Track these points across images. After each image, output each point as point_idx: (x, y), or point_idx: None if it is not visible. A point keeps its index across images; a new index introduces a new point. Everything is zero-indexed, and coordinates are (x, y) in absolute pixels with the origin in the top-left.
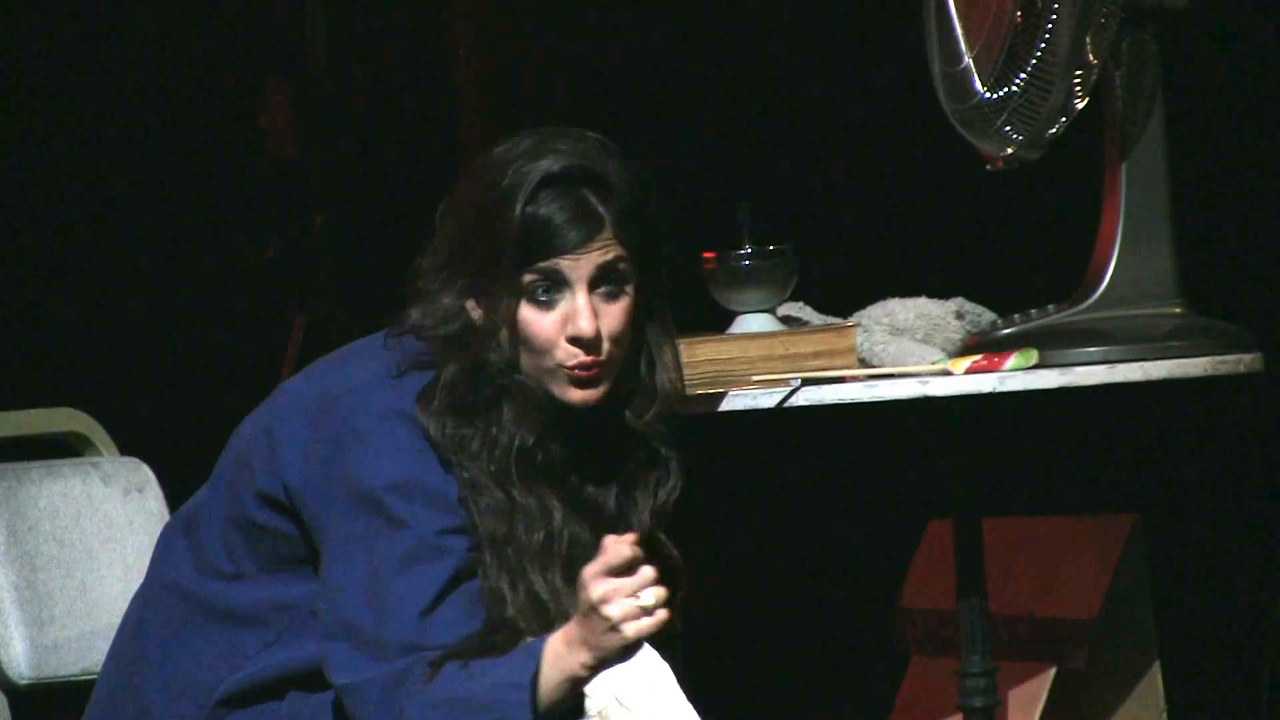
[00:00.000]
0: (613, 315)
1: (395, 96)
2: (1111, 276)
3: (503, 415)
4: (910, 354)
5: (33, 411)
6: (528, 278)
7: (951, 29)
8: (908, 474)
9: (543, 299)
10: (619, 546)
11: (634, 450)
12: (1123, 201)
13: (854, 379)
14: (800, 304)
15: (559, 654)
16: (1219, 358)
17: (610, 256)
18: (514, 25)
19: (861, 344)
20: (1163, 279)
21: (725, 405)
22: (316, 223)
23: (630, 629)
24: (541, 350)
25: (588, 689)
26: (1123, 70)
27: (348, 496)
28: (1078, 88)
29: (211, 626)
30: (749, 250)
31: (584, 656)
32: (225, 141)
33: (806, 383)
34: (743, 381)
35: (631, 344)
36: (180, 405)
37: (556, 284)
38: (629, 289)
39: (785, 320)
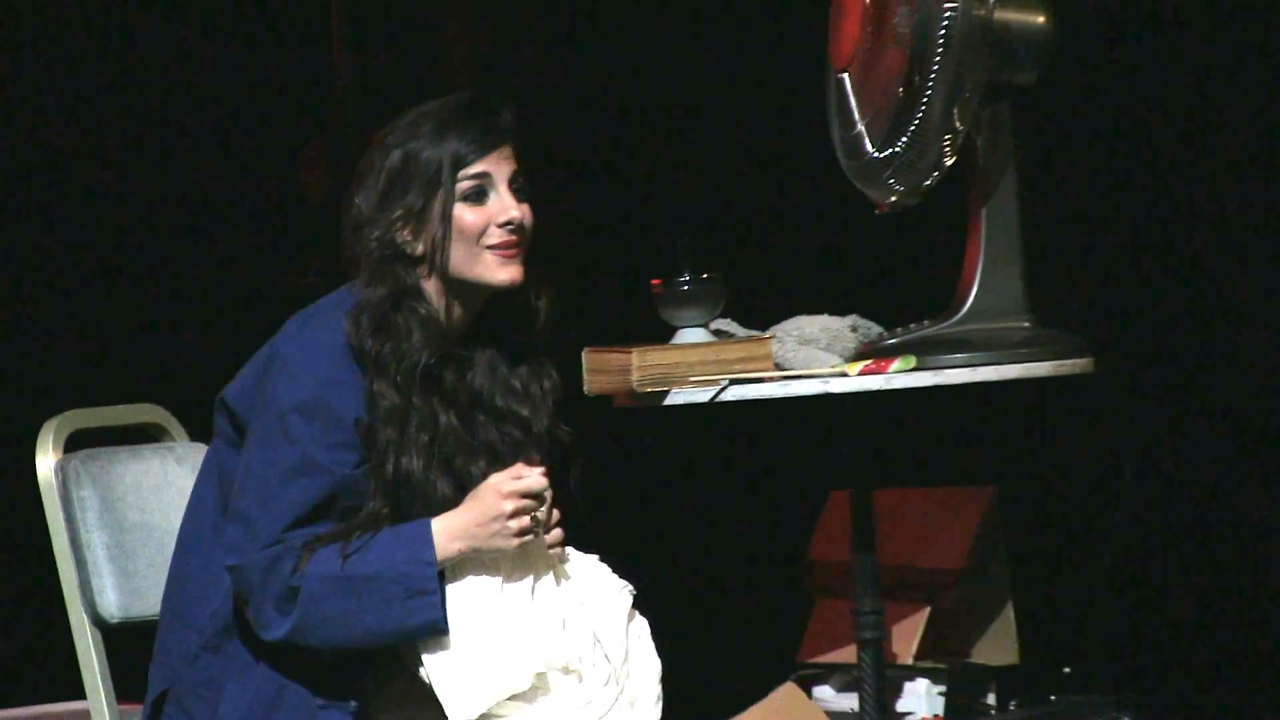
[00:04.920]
0: (524, 209)
1: None
2: (974, 297)
3: (413, 335)
4: (815, 359)
5: (121, 407)
6: (463, 185)
7: (847, 101)
8: (814, 454)
9: (475, 199)
10: (537, 477)
11: (524, 363)
12: (983, 237)
13: (771, 379)
14: (728, 320)
15: (441, 542)
16: (1060, 361)
17: (517, 165)
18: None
19: (777, 351)
20: (1015, 299)
21: (669, 400)
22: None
23: (518, 541)
24: (475, 237)
25: (568, 627)
26: (983, 134)
27: (263, 411)
28: (948, 148)
29: (203, 558)
30: (687, 277)
31: (463, 546)
32: (276, 189)
33: (733, 383)
34: (683, 381)
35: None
36: None
37: (484, 189)
38: (528, 200)
39: (716, 333)
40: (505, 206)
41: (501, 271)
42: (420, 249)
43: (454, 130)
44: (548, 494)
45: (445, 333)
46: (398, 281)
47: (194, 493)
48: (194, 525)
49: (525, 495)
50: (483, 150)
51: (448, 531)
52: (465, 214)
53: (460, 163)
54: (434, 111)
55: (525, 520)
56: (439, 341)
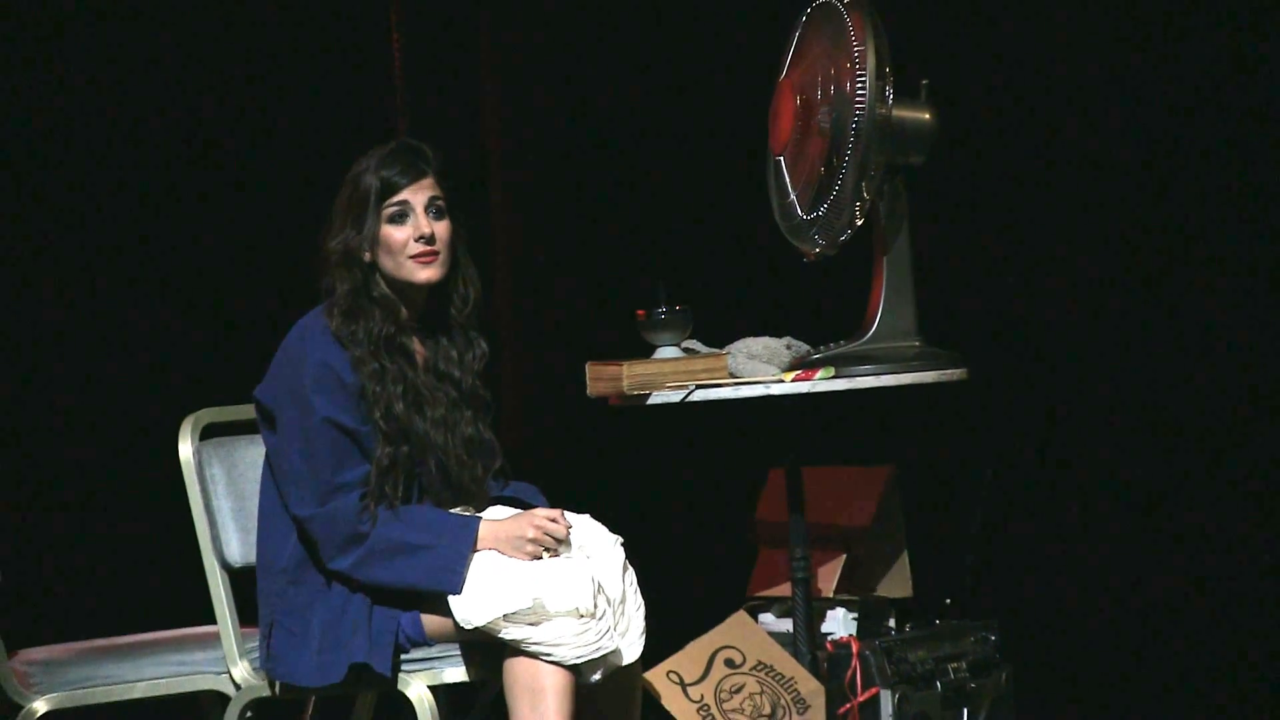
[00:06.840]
0: (440, 227)
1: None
2: (878, 323)
3: (376, 315)
4: (759, 370)
5: (243, 405)
6: (387, 211)
7: (783, 177)
8: (758, 440)
9: (398, 221)
10: (563, 530)
11: (458, 337)
12: (884, 278)
13: (726, 385)
14: (695, 340)
15: (481, 535)
16: (941, 372)
17: (434, 192)
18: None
19: (730, 364)
20: (909, 324)
21: (651, 400)
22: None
23: (526, 557)
24: (399, 250)
25: (572, 573)
26: (884, 201)
27: (286, 395)
28: (858, 212)
29: (277, 516)
30: (664, 309)
31: (491, 545)
32: None
33: (699, 387)
34: (660, 386)
35: (451, 269)
36: None
37: (404, 213)
38: (447, 218)
39: (685, 350)
40: (419, 225)
41: (422, 273)
42: (367, 257)
43: (385, 167)
44: (564, 537)
45: (399, 307)
46: (355, 277)
47: (263, 471)
48: (266, 493)
49: (549, 534)
50: (404, 182)
51: (489, 528)
52: (392, 232)
53: (386, 193)
54: (376, 152)
55: (539, 549)
56: (396, 315)
